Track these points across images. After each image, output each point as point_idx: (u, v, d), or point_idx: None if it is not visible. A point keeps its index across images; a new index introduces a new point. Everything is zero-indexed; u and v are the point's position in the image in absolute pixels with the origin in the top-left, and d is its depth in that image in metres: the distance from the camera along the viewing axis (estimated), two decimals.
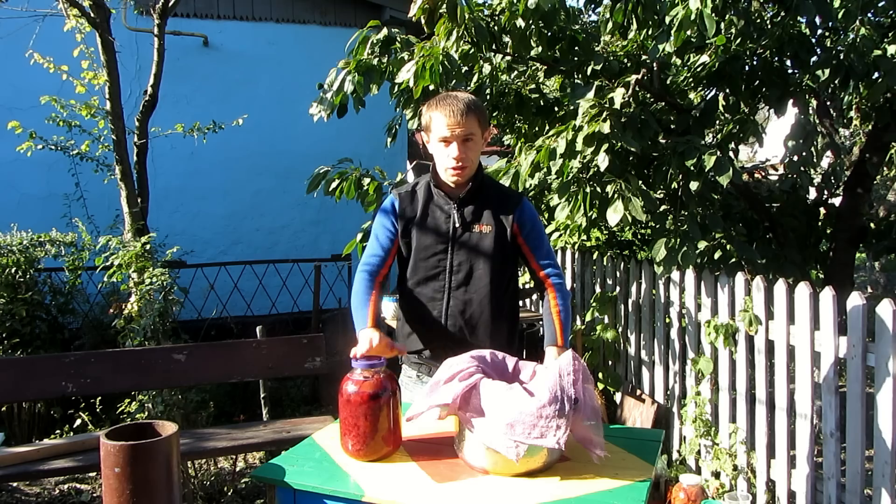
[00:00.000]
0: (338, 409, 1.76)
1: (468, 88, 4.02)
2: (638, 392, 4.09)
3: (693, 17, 2.88)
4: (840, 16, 3.27)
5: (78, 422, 3.98)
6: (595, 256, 4.63)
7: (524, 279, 5.66)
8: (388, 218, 2.19)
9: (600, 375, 4.25)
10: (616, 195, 3.15)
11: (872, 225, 4.18)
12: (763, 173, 4.95)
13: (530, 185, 3.67)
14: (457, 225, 2.12)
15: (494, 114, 4.17)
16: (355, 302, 2.10)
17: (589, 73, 3.65)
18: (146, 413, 3.82)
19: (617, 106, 3.16)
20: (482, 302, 2.09)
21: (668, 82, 4.11)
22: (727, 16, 3.44)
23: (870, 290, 9.02)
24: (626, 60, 3.98)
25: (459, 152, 2.05)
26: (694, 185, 3.20)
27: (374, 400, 1.68)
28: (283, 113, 6.51)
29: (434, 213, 2.15)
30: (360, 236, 3.62)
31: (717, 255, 3.87)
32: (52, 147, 4.80)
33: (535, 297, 5.51)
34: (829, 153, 4.73)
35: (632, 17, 3.37)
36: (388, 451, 1.71)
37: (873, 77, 3.35)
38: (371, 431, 1.67)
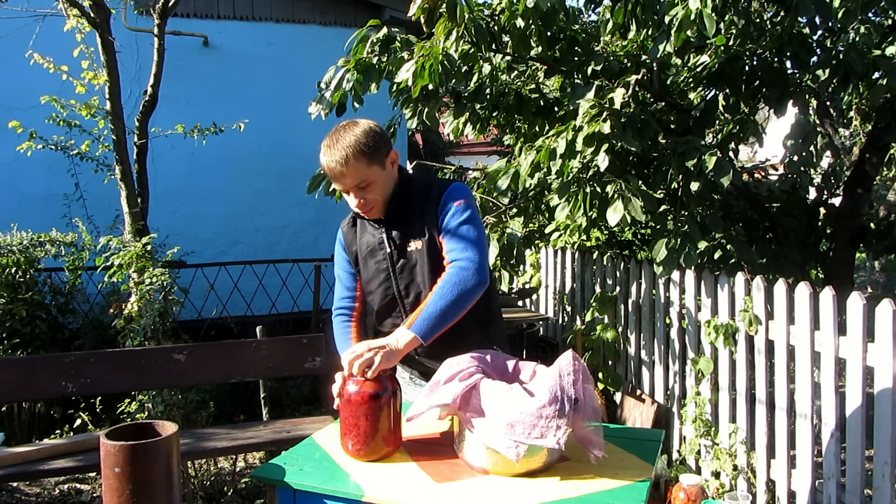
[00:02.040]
0: (337, 410, 1.76)
1: (468, 88, 4.02)
2: (638, 392, 4.09)
3: (693, 17, 2.88)
4: (840, 16, 3.27)
5: (78, 422, 3.98)
6: (595, 256, 4.63)
7: (522, 279, 5.67)
8: (342, 255, 2.14)
9: (600, 375, 4.25)
10: (616, 195, 3.15)
11: (872, 225, 4.18)
12: (763, 173, 4.94)
13: (530, 184, 3.67)
14: (390, 250, 2.01)
15: (494, 114, 4.17)
16: (339, 346, 2.08)
17: (589, 73, 3.65)
18: (146, 413, 3.82)
19: (617, 106, 3.16)
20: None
21: (668, 82, 4.11)
22: (727, 16, 3.44)
23: (870, 290, 9.02)
24: (626, 60, 3.98)
25: (357, 200, 1.94)
26: (694, 186, 3.20)
27: (374, 400, 1.68)
28: (283, 113, 6.51)
29: (369, 242, 2.06)
30: None
31: (717, 256, 3.87)
32: (52, 147, 4.80)
33: (534, 297, 5.52)
34: (828, 153, 4.74)
35: (632, 17, 3.37)
36: (388, 452, 1.71)
37: (873, 77, 3.35)
38: (371, 431, 1.67)
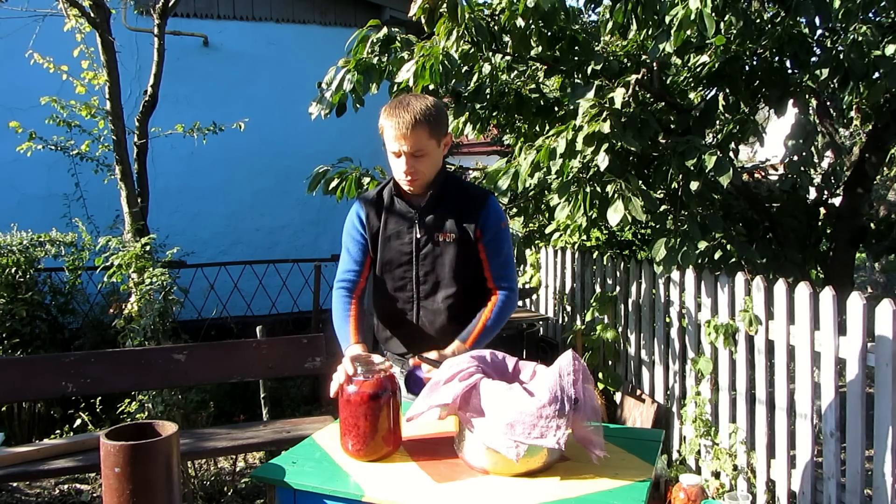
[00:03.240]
0: (337, 410, 1.76)
1: (468, 88, 4.02)
2: (638, 392, 4.09)
3: (693, 16, 2.88)
4: (840, 16, 3.27)
5: (78, 422, 3.98)
6: (595, 256, 4.63)
7: (522, 280, 5.67)
8: (357, 229, 2.14)
9: (600, 375, 4.25)
10: (616, 195, 3.15)
11: (872, 225, 4.18)
12: (763, 173, 4.94)
13: (530, 184, 3.67)
14: (419, 236, 2.05)
15: (494, 114, 4.17)
16: (336, 321, 2.08)
17: (589, 73, 3.65)
18: (146, 413, 3.82)
19: (617, 105, 3.16)
20: (451, 311, 2.06)
21: (668, 82, 4.11)
22: (727, 16, 3.44)
23: (870, 290, 9.02)
24: (626, 60, 3.98)
25: (408, 167, 1.97)
26: (694, 185, 3.20)
27: (374, 400, 1.67)
28: (283, 113, 6.51)
29: (397, 222, 2.08)
30: None
31: (717, 255, 3.87)
32: (52, 147, 4.81)
33: (534, 297, 5.52)
34: (829, 153, 4.73)
35: (632, 16, 3.37)
36: (388, 451, 1.71)
37: (873, 77, 3.35)
38: (371, 431, 1.67)
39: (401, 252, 2.08)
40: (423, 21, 3.45)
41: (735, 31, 3.50)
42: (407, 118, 1.92)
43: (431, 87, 3.30)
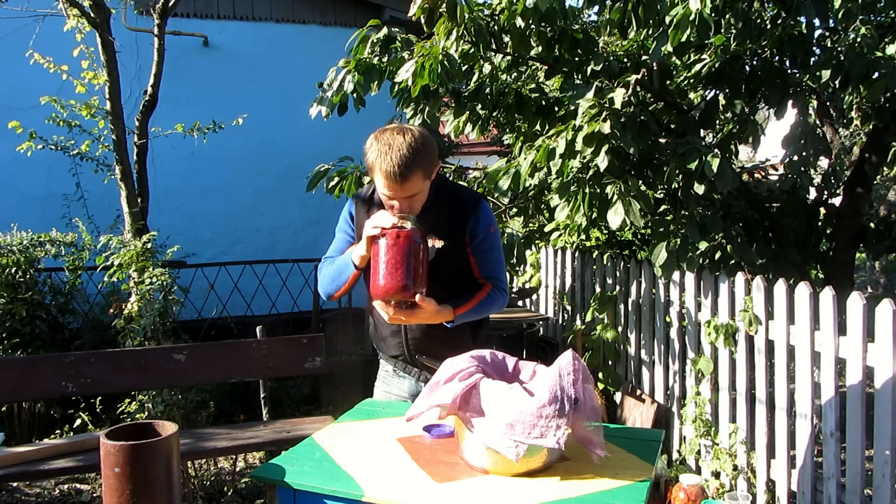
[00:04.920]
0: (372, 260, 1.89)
1: (468, 88, 4.02)
2: (638, 392, 4.09)
3: (692, 17, 2.88)
4: (840, 16, 3.27)
5: (78, 422, 3.98)
6: (595, 256, 4.63)
7: (522, 279, 5.67)
8: (348, 223, 2.18)
9: (600, 375, 4.25)
10: (616, 197, 3.15)
11: (872, 225, 4.18)
12: (763, 173, 4.95)
13: (530, 185, 3.67)
14: None
15: (494, 113, 4.17)
16: (329, 266, 2.14)
17: (589, 73, 3.65)
18: (146, 413, 3.82)
19: (617, 106, 3.16)
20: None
21: (668, 82, 4.11)
22: (727, 16, 3.44)
23: (870, 290, 9.02)
24: (626, 60, 3.98)
25: (402, 207, 1.95)
26: (699, 189, 3.18)
27: (422, 241, 1.88)
28: (283, 113, 6.51)
29: None
30: None
31: (717, 256, 3.87)
32: (52, 147, 4.80)
33: (534, 297, 5.51)
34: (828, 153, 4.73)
35: (631, 15, 3.36)
36: (422, 292, 1.89)
37: (873, 77, 3.35)
38: (416, 267, 1.85)
39: None
40: (422, 21, 3.45)
41: (735, 32, 3.50)
42: (401, 169, 1.86)
43: (432, 86, 3.30)
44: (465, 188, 2.36)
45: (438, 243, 2.01)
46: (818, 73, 3.41)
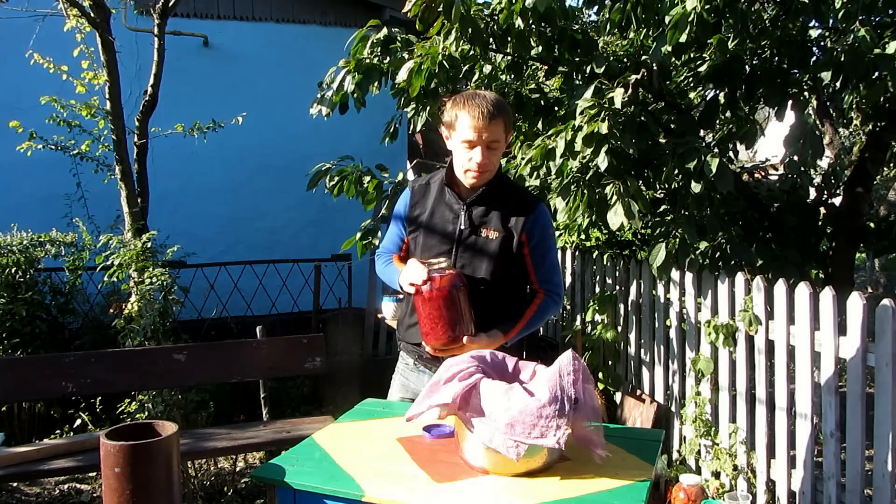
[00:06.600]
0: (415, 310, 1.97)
1: (469, 88, 4.02)
2: (638, 392, 4.09)
3: (691, 17, 2.88)
4: (840, 16, 3.27)
5: (78, 422, 3.98)
6: (595, 256, 4.63)
7: None
8: (402, 216, 2.23)
9: (600, 375, 4.25)
10: (615, 198, 3.14)
11: (872, 225, 4.17)
12: (763, 173, 4.94)
13: (531, 185, 3.67)
14: (463, 227, 2.09)
15: None
16: (381, 271, 2.24)
17: (588, 73, 3.65)
18: (146, 413, 3.82)
19: (617, 106, 3.16)
20: (480, 306, 2.06)
21: (667, 82, 4.11)
22: (727, 16, 3.43)
23: (870, 290, 9.02)
24: (625, 60, 3.98)
25: (483, 158, 2.00)
26: (696, 188, 3.18)
27: (456, 290, 1.89)
28: (283, 113, 6.51)
29: (443, 212, 2.13)
30: (359, 234, 3.62)
31: (717, 256, 3.86)
32: (53, 147, 4.80)
33: None
34: (827, 153, 4.73)
35: (631, 15, 3.36)
36: (469, 333, 1.93)
37: (873, 77, 3.35)
38: (457, 317, 1.87)
39: (441, 240, 2.11)
40: (417, 19, 3.44)
41: (734, 32, 3.50)
42: (488, 108, 1.96)
43: (432, 86, 3.30)
44: (526, 189, 2.47)
45: (493, 234, 2.06)
46: (818, 75, 3.41)
